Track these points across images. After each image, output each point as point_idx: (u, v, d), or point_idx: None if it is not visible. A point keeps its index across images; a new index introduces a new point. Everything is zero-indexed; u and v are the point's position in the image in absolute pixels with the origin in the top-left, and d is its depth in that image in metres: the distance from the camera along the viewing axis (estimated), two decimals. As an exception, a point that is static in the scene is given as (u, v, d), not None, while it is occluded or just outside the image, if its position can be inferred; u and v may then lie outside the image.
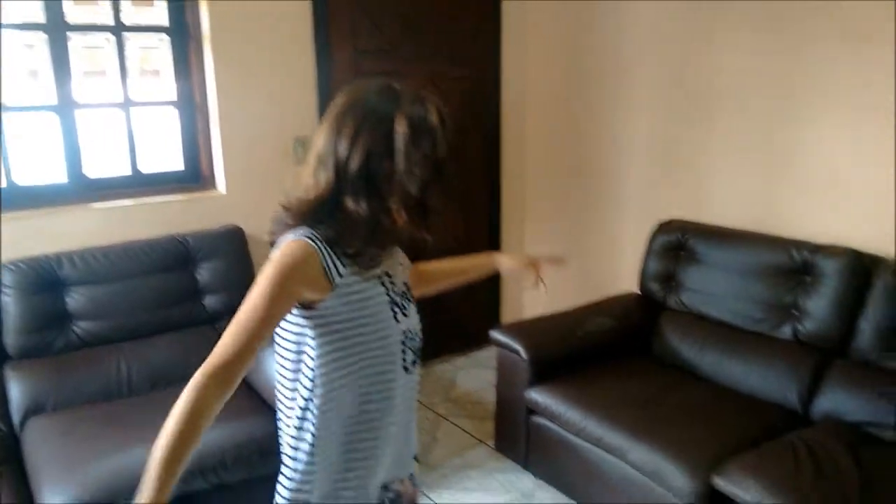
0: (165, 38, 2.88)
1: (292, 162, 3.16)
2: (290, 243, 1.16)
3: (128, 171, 2.88)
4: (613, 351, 2.75)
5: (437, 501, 2.65)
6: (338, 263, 1.17)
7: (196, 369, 2.50)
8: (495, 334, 2.72)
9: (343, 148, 1.15)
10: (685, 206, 3.04)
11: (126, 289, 2.64)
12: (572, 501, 2.58)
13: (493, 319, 4.03)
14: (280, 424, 1.31)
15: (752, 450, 2.03)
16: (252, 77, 2.98)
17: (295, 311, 1.19)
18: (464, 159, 3.79)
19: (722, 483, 1.96)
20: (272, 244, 1.23)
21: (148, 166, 2.93)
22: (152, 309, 2.68)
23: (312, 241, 1.16)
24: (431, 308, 3.91)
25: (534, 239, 4.01)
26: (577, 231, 3.67)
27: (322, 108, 3.19)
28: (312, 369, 1.21)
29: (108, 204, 2.79)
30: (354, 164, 1.14)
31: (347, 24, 3.24)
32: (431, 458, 2.94)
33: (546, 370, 2.60)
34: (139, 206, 2.84)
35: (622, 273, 3.30)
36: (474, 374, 3.70)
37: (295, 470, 1.26)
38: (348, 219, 1.16)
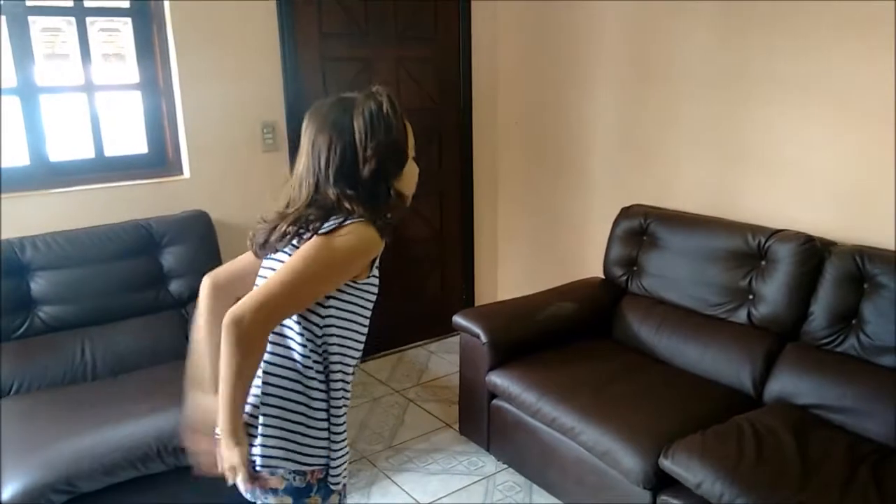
0: (128, 20, 2.87)
1: (259, 147, 3.16)
2: (363, 227, 1.30)
3: (91, 155, 2.88)
4: (574, 335, 2.77)
5: (400, 485, 2.69)
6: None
7: (162, 354, 2.55)
8: (458, 319, 2.75)
9: (322, 160, 1.33)
10: (652, 192, 3.07)
11: (90, 274, 2.64)
12: (531, 483, 2.62)
13: (468, 305, 4.05)
14: (278, 393, 1.36)
15: (699, 432, 2.07)
16: (216, 60, 2.97)
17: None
18: (437, 143, 3.79)
19: (668, 464, 2.00)
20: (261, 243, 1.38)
21: (112, 150, 2.92)
22: (117, 294, 2.68)
23: (377, 229, 1.32)
24: (406, 294, 3.98)
25: (506, 225, 4.02)
26: (549, 216, 3.69)
27: (288, 91, 3.19)
28: (334, 337, 1.36)
29: (72, 188, 2.78)
30: (332, 170, 1.33)
31: (313, 7, 3.23)
32: (397, 442, 2.97)
33: (506, 354, 2.63)
34: (103, 190, 2.83)
35: (591, 258, 3.33)
36: (446, 360, 3.73)
37: (310, 437, 1.36)
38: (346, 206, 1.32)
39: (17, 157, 2.72)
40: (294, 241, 1.32)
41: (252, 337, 1.23)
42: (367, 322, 1.43)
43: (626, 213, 2.95)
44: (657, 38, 2.98)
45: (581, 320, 2.83)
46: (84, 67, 2.79)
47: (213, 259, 2.88)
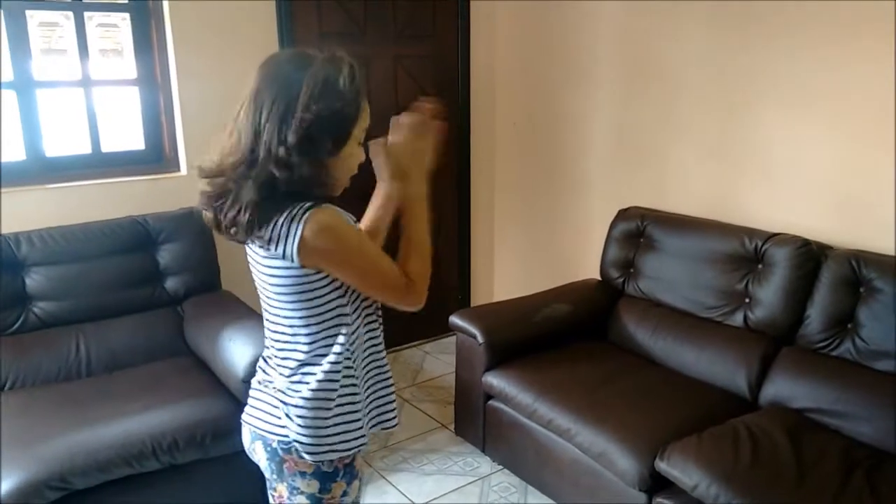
0: (126, 16, 2.86)
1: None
2: (324, 211, 1.25)
3: (88, 151, 2.87)
4: (571, 336, 2.77)
5: (395, 485, 2.68)
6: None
7: (158, 351, 2.58)
8: (454, 319, 2.74)
9: (263, 114, 1.22)
10: (649, 195, 3.07)
11: (85, 270, 2.63)
12: (526, 484, 2.62)
13: (464, 306, 4.05)
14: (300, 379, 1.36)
15: (695, 434, 2.07)
16: (214, 57, 2.95)
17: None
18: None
19: (664, 467, 2.00)
20: (213, 220, 1.31)
21: (109, 146, 2.91)
22: (112, 290, 2.68)
23: (326, 206, 1.27)
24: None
25: (503, 225, 4.02)
26: (546, 217, 3.69)
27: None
28: (347, 314, 1.35)
29: (68, 183, 2.77)
30: (271, 126, 1.21)
31: (312, 6, 3.22)
32: (392, 442, 2.97)
33: (503, 355, 2.63)
34: (99, 186, 2.82)
35: (588, 260, 3.33)
36: (442, 360, 3.73)
37: (348, 423, 1.36)
38: (281, 175, 1.22)
39: (14, 151, 2.71)
40: (256, 237, 1.27)
41: (422, 281, 1.36)
42: (368, 299, 1.39)
43: (623, 215, 2.95)
44: (655, 40, 2.99)
45: (577, 322, 2.83)
46: (81, 62, 2.78)
47: (209, 256, 2.88)
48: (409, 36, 3.57)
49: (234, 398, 2.33)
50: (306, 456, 1.34)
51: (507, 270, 4.06)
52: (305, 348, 1.34)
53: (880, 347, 2.17)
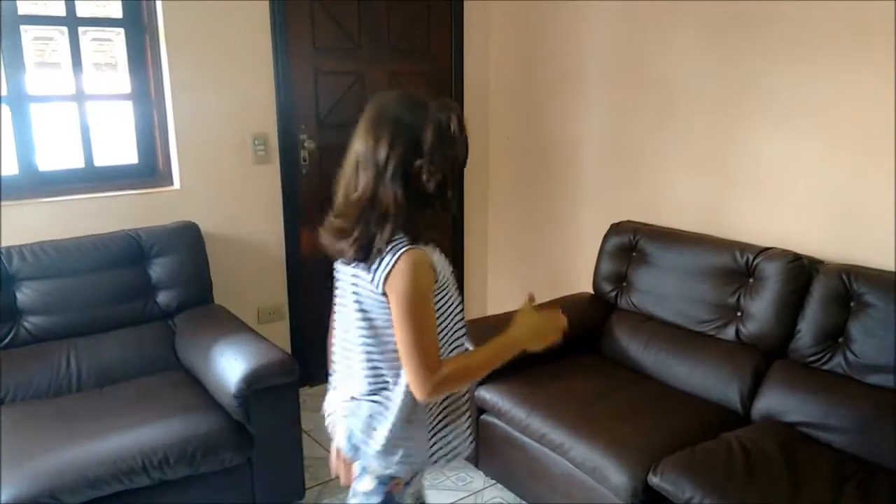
0: (121, 31, 2.87)
1: (251, 159, 3.16)
2: (418, 253, 1.36)
3: (81, 165, 2.87)
4: (564, 350, 2.72)
5: (387, 498, 2.66)
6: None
7: (149, 366, 2.60)
8: (447, 333, 2.74)
9: (382, 154, 1.34)
10: (642, 208, 3.08)
11: (77, 284, 2.62)
12: (519, 499, 2.61)
13: (456, 317, 4.04)
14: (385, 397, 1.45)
15: (688, 448, 2.07)
16: (208, 72, 2.97)
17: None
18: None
19: (657, 481, 2.00)
20: (336, 250, 1.43)
21: (102, 160, 2.91)
22: (104, 305, 2.67)
23: (422, 250, 1.37)
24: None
25: (496, 238, 4.03)
26: (539, 231, 3.70)
27: (280, 104, 3.19)
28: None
29: (61, 198, 2.77)
30: (392, 167, 1.34)
31: (306, 21, 3.24)
32: (385, 455, 2.95)
33: (496, 369, 2.62)
34: (92, 200, 2.82)
35: (580, 273, 3.34)
36: (434, 372, 3.71)
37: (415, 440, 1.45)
38: (396, 213, 1.36)
39: (7, 166, 2.71)
40: (365, 268, 1.39)
41: (445, 386, 1.38)
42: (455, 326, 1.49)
43: (615, 228, 2.97)
44: (648, 54, 3.01)
45: (570, 336, 2.80)
46: (75, 77, 2.79)
47: (202, 271, 2.87)
48: (403, 51, 3.59)
49: (225, 413, 2.32)
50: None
51: (501, 284, 4.07)
52: (383, 367, 1.44)
53: (871, 361, 2.18)
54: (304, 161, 3.32)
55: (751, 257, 2.48)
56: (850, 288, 2.26)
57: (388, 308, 1.37)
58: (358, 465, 1.52)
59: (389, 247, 1.35)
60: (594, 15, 3.21)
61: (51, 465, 2.02)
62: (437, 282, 1.41)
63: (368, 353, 1.44)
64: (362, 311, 1.42)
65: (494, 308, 4.00)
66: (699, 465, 1.99)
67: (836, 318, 2.27)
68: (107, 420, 2.26)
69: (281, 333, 3.40)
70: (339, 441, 1.53)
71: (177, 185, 3.00)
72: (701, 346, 2.54)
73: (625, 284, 2.88)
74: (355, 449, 1.48)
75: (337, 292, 1.50)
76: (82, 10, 2.78)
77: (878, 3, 2.25)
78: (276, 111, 3.19)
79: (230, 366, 2.33)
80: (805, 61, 2.48)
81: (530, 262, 3.82)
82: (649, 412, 2.34)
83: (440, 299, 1.43)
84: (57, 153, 2.84)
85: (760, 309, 2.42)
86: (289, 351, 3.43)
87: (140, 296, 2.74)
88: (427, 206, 1.39)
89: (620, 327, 2.80)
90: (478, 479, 2.78)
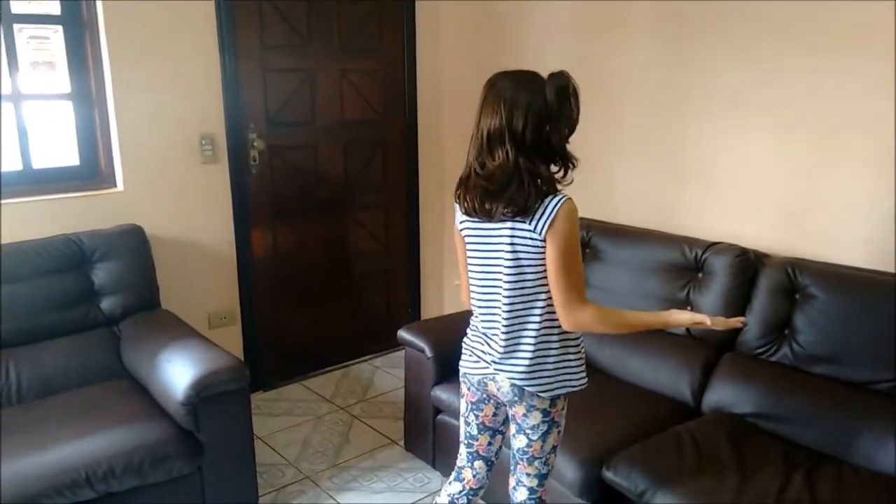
0: (59, 28, 2.76)
1: (198, 159, 3.08)
2: (569, 205, 1.58)
3: (19, 167, 2.76)
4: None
5: (342, 503, 2.63)
6: None
7: (92, 375, 2.52)
8: (402, 333, 2.72)
9: (518, 125, 1.57)
10: (594, 206, 3.10)
11: (16, 291, 2.52)
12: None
13: (414, 319, 4.02)
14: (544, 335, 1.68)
15: (640, 442, 2.09)
16: (152, 70, 2.89)
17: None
18: (382, 155, 3.78)
19: (610, 476, 2.01)
20: (481, 208, 1.66)
21: (41, 162, 2.81)
22: (44, 312, 2.57)
23: (573, 200, 1.60)
24: (351, 308, 3.90)
25: (452, 238, 4.02)
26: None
27: (228, 103, 3.12)
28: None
29: (-3, 202, 2.66)
30: (530, 134, 1.57)
31: (254, 18, 3.18)
32: (341, 460, 2.92)
33: (452, 368, 2.60)
34: (31, 203, 2.72)
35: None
36: (391, 374, 3.69)
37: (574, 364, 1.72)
38: (535, 177, 1.58)
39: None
40: (522, 220, 1.60)
41: (596, 324, 1.60)
42: None
43: (568, 226, 2.98)
44: (598, 54, 3.04)
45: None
46: (11, 76, 2.68)
47: (147, 275, 2.79)
48: (354, 49, 3.55)
49: (173, 421, 2.26)
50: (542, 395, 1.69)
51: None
52: (540, 308, 1.65)
53: (816, 352, 2.24)
54: (254, 160, 3.25)
55: (699, 252, 2.53)
56: (794, 280, 2.31)
57: (543, 252, 1.58)
58: (523, 407, 1.71)
59: (547, 200, 1.56)
60: (545, 16, 3.23)
61: (-12, 480, 1.93)
62: None
63: (517, 295, 1.64)
64: (517, 258, 1.61)
65: (451, 308, 3.99)
66: (651, 458, 2.02)
67: (782, 310, 2.32)
68: (48, 432, 2.18)
69: (233, 338, 3.33)
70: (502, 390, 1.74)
71: (120, 186, 2.91)
72: (652, 341, 2.57)
73: (578, 281, 2.90)
74: (521, 392, 1.69)
75: (471, 248, 1.73)
76: (17, 7, 2.67)
77: (823, 2, 2.31)
78: (224, 110, 3.12)
79: (177, 372, 2.27)
80: (752, 62, 2.53)
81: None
82: (603, 408, 2.35)
83: None
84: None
85: (709, 302, 2.46)
86: (241, 356, 3.36)
87: (83, 302, 2.65)
88: (555, 163, 1.62)
89: (574, 324, 2.81)
90: (435, 479, 2.77)
